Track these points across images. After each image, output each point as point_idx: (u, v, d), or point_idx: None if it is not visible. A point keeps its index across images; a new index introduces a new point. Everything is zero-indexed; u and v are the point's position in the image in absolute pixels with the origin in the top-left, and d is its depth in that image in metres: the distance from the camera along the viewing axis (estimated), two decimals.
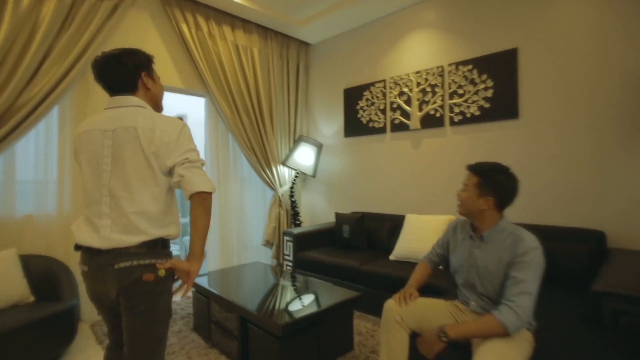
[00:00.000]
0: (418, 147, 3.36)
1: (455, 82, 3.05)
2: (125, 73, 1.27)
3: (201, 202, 1.16)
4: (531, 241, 1.34)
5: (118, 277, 1.14)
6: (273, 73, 3.99)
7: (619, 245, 2.34)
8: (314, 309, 1.93)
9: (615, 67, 2.35)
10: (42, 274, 2.42)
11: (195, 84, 3.44)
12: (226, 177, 3.70)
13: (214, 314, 2.28)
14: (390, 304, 1.57)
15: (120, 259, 1.13)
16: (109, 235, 1.14)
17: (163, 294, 1.21)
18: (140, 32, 3.09)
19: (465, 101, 2.99)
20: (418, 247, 2.77)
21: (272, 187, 4.02)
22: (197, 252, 1.19)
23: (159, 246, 1.20)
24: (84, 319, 2.74)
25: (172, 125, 1.23)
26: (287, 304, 2.02)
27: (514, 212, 2.72)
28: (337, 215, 3.56)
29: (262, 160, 3.88)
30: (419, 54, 3.33)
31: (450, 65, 3.09)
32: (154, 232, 1.17)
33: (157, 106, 1.41)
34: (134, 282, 1.14)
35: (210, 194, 1.18)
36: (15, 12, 2.36)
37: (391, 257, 2.94)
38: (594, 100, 2.43)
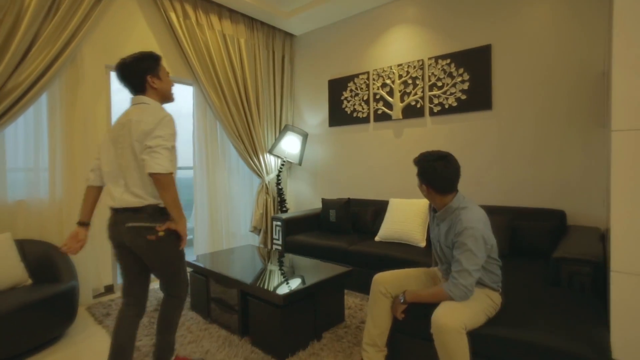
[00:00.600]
0: (400, 136, 3.57)
1: (435, 75, 3.27)
2: (135, 79, 1.62)
3: (156, 181, 1.47)
4: (467, 221, 1.49)
5: (128, 234, 1.55)
6: (259, 63, 4.07)
7: (577, 223, 2.65)
8: (310, 281, 2.10)
9: (574, 64, 2.63)
10: (38, 257, 2.46)
11: (184, 73, 3.49)
12: (215, 166, 3.78)
13: (213, 291, 2.41)
14: (378, 278, 1.76)
15: (130, 220, 1.54)
16: (121, 197, 1.55)
17: (167, 243, 1.59)
18: (128, 20, 3.10)
19: (444, 93, 3.22)
20: (402, 228, 2.99)
21: (259, 174, 4.13)
22: (175, 217, 1.55)
23: (157, 213, 1.57)
24: (81, 303, 2.79)
25: (153, 116, 1.53)
26: (284, 278, 2.18)
27: (487, 195, 3.00)
28: (324, 200, 3.73)
29: (250, 148, 3.98)
30: (401, 48, 3.53)
31: (430, 59, 3.30)
32: (149, 200, 1.55)
33: (166, 98, 1.73)
34: (140, 242, 1.55)
35: (162, 174, 1.45)
36: None
37: (376, 239, 3.15)
38: (555, 94, 2.71)
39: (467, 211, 1.54)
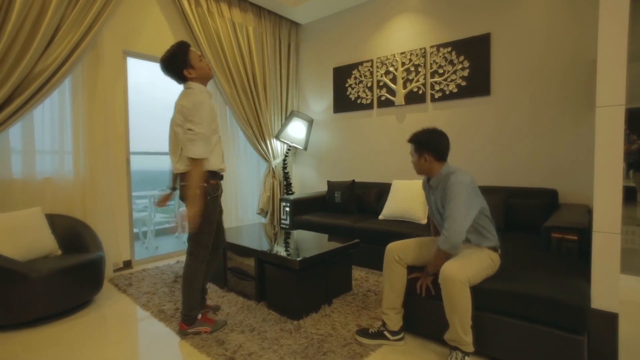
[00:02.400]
0: (402, 121, 3.74)
1: (436, 63, 3.43)
2: (174, 76, 1.94)
3: (190, 162, 1.82)
4: (453, 177, 1.69)
5: (182, 191, 1.96)
6: (267, 51, 4.21)
7: (568, 201, 2.85)
8: (321, 250, 2.29)
9: (568, 52, 2.80)
10: (66, 230, 2.63)
11: None
12: (224, 151, 3.94)
13: (230, 261, 2.59)
14: (391, 247, 1.93)
15: (182, 180, 1.94)
16: (176, 166, 1.94)
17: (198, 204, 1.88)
18: (144, 7, 3.23)
19: (445, 80, 3.38)
20: (404, 207, 3.18)
21: (266, 159, 4.30)
22: (189, 199, 1.83)
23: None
24: None
25: (191, 101, 1.83)
26: (297, 247, 2.37)
27: (484, 175, 3.19)
28: (330, 182, 3.91)
29: (258, 133, 4.14)
30: (404, 36, 3.68)
31: (432, 47, 3.46)
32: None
33: (205, 78, 1.99)
34: (184, 196, 1.92)
35: (193, 159, 1.80)
36: None
37: (380, 217, 3.34)
38: (550, 80, 2.88)
39: (456, 174, 1.71)
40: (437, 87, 3.45)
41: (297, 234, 2.83)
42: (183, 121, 1.84)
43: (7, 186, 2.58)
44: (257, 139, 4.14)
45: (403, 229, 2.91)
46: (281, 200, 3.87)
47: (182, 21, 3.47)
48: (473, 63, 3.21)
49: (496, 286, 1.63)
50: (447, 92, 3.38)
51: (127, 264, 3.28)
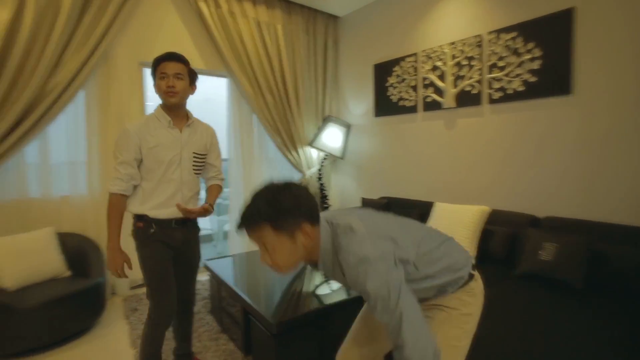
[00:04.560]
0: (452, 127, 3.03)
1: (496, 53, 2.65)
2: None
3: None
4: (346, 254, 0.95)
5: None
6: (299, 50, 3.80)
7: None
8: (316, 305, 1.83)
9: None
10: (75, 250, 2.58)
11: (217, 65, 3.38)
12: (250, 159, 3.67)
13: (224, 300, 2.29)
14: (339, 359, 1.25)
15: None
16: None
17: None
18: (159, 15, 3.06)
19: (507, 75, 2.59)
20: None
21: (299, 169, 3.92)
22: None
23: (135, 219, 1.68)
24: (118, 293, 2.93)
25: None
26: (292, 296, 1.95)
27: (562, 204, 2.36)
28: (364, 200, 3.39)
29: (288, 141, 3.78)
30: (455, 23, 2.94)
31: (490, 33, 2.68)
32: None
33: (162, 100, 1.65)
34: None
35: (110, 193, 1.56)
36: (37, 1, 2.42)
37: None
38: None
39: (347, 245, 0.95)
40: (496, 85, 2.67)
41: (308, 272, 2.40)
42: None
43: (24, 205, 2.62)
44: (287, 147, 3.79)
45: None
46: None
47: (201, 26, 3.24)
48: (547, 51, 2.37)
49: None
50: (510, 91, 2.59)
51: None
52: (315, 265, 1.05)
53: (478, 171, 2.86)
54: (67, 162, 2.81)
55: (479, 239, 2.45)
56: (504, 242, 2.40)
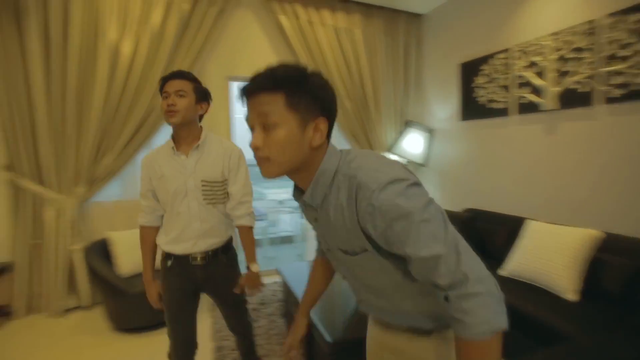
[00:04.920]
0: (553, 132, 2.58)
1: (616, 41, 2.16)
2: None
3: None
4: (373, 179, 0.72)
5: None
6: (378, 53, 3.69)
7: None
8: None
9: None
10: None
11: None
12: None
13: (292, 306, 2.34)
14: None
15: None
16: None
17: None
18: (246, 30, 3.28)
19: (631, 67, 2.09)
20: (537, 267, 2.16)
21: None
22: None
23: None
24: None
25: None
26: (358, 314, 1.89)
27: None
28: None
29: (366, 148, 3.71)
30: (558, 10, 2.49)
31: (608, 16, 2.20)
32: None
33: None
34: None
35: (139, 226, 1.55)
36: (149, 30, 2.81)
37: (502, 272, 2.40)
38: None
39: (358, 159, 0.75)
40: (616, 81, 2.18)
41: None
42: None
43: (138, 205, 3.08)
44: None
45: (532, 305, 1.93)
46: None
47: (281, 38, 3.38)
48: None
49: None
50: (635, 88, 2.08)
51: None
52: (301, 194, 0.83)
53: (586, 186, 2.38)
54: None
55: (586, 271, 2.03)
56: (620, 277, 1.94)
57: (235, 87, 3.43)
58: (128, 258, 2.70)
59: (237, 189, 1.49)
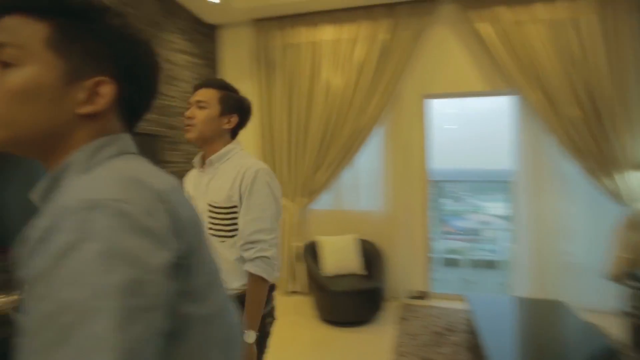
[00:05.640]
0: None
1: None
2: None
3: None
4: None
5: None
6: (626, 41, 2.81)
7: None
8: None
9: None
10: (369, 255, 3.29)
11: (499, 84, 3.14)
12: (538, 187, 3.10)
13: (477, 339, 2.13)
14: None
15: None
16: None
17: None
18: (442, 47, 3.26)
19: None
20: None
21: (618, 201, 2.88)
22: None
23: None
24: (397, 298, 3.34)
25: None
26: None
27: None
28: None
29: (596, 165, 2.89)
30: None
31: None
32: None
33: None
34: None
35: None
36: (355, 63, 3.29)
37: None
38: None
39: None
40: None
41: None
42: None
43: (341, 215, 3.58)
44: (595, 172, 2.89)
45: None
46: (631, 276, 2.49)
47: (481, 47, 3.13)
48: None
49: None
50: None
51: (423, 295, 3.44)
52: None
53: None
54: (368, 184, 3.57)
55: None
56: None
57: (432, 104, 3.43)
58: (332, 260, 3.20)
59: (246, 222, 1.12)
